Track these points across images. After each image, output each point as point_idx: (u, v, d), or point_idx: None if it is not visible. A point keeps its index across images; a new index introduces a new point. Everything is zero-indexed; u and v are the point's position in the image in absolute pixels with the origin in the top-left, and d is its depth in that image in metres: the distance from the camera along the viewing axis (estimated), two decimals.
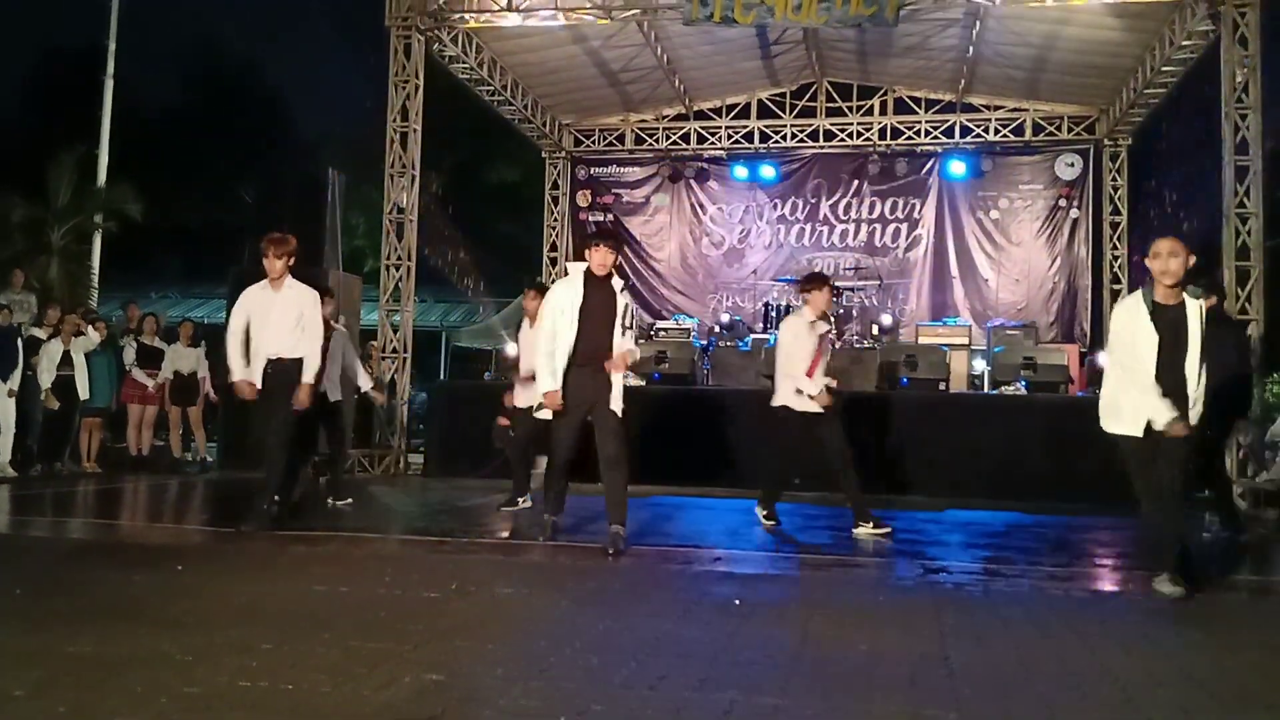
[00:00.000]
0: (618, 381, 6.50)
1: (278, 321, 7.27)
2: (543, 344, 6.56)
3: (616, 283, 6.67)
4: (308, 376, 7.19)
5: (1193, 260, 5.31)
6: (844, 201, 17.22)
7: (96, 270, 17.86)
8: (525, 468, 8.55)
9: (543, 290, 7.74)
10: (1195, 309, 5.31)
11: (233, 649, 3.76)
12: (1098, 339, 15.75)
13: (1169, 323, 5.28)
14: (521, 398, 8.19)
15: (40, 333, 11.53)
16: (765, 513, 8.02)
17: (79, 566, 5.78)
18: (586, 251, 6.71)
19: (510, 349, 14.11)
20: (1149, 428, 5.27)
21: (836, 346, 12.43)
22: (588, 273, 6.60)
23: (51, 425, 11.34)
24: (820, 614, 4.74)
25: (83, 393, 11.36)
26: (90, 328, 11.79)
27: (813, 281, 7.95)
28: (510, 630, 4.20)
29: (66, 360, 11.30)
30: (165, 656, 3.67)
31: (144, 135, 27.68)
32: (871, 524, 7.49)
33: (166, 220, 26.50)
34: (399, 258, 12.77)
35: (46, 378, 11.14)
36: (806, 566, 6.31)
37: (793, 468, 8.21)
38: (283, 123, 33.81)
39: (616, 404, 6.49)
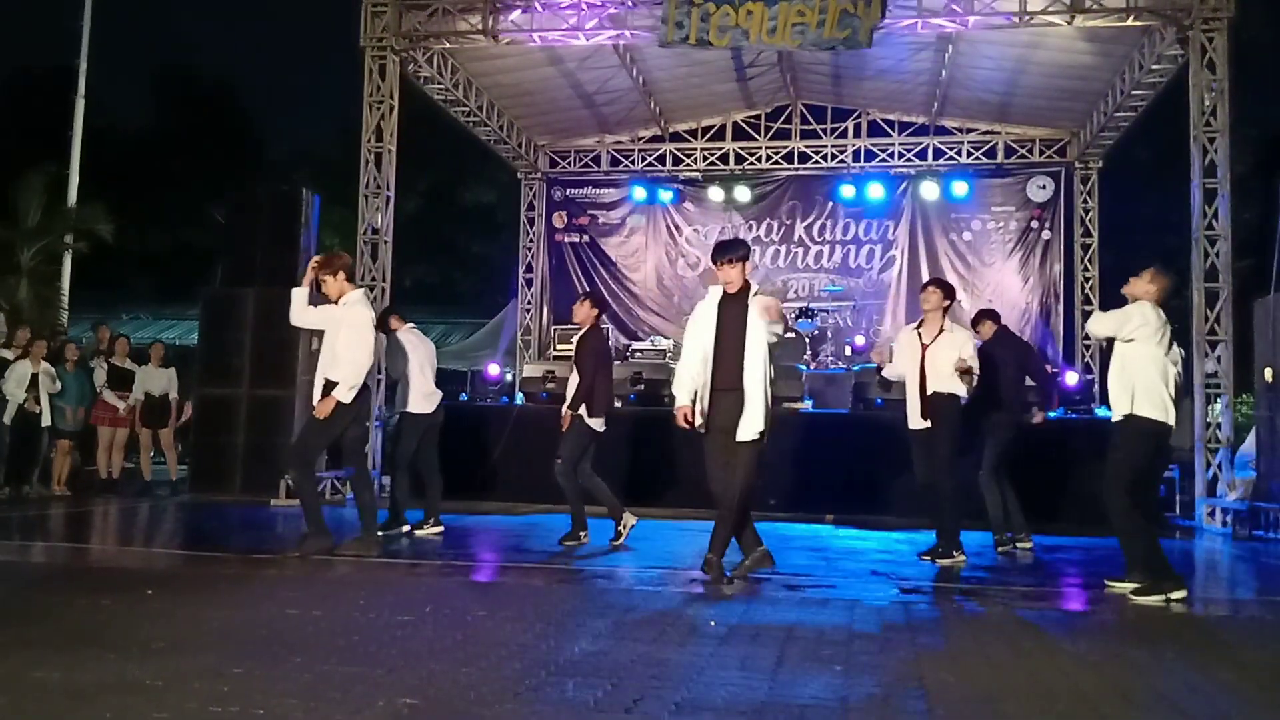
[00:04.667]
0: (750, 407, 6.08)
1: (328, 340, 7.08)
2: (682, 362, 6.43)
3: (756, 299, 6.24)
4: (336, 392, 6.82)
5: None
6: (818, 223, 17.30)
7: (66, 291, 17.71)
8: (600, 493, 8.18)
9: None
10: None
11: (204, 674, 3.72)
12: (1070, 359, 15.87)
13: None
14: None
15: (8, 354, 11.41)
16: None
17: (46, 591, 5.70)
18: (717, 270, 6.40)
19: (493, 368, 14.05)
20: None
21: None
22: (724, 292, 6.34)
23: (19, 448, 11.21)
24: (795, 635, 4.73)
25: (45, 419, 11.25)
26: (52, 371, 11.54)
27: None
28: (485, 654, 4.17)
29: (34, 382, 11.18)
30: (135, 682, 3.62)
31: (116, 156, 27.56)
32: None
33: (138, 241, 26.39)
34: (373, 278, 12.71)
35: (14, 401, 11.04)
36: (781, 588, 6.30)
37: None
38: (256, 143, 33.76)
39: (744, 430, 6.10)
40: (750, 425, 6.10)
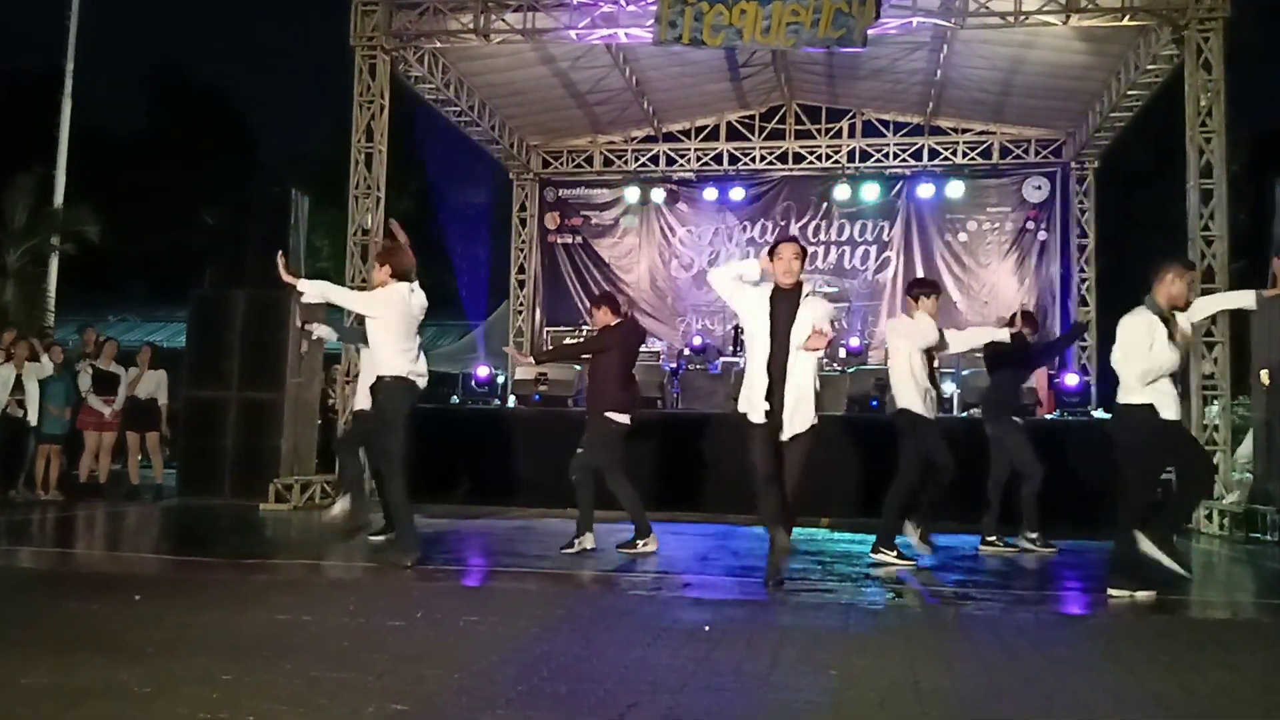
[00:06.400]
0: (795, 402, 5.97)
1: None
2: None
3: (807, 290, 6.07)
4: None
5: None
6: (813, 224, 17.27)
7: (53, 293, 17.62)
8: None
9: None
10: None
11: (193, 679, 3.68)
12: (1066, 360, 15.85)
13: None
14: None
15: None
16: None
17: (35, 595, 5.65)
18: (768, 263, 6.06)
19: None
20: None
21: None
22: (775, 285, 6.05)
23: (5, 452, 11.12)
24: (790, 639, 4.70)
25: (32, 418, 11.17)
26: (45, 355, 11.52)
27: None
28: (476, 658, 4.13)
29: (18, 386, 11.11)
30: (124, 687, 3.58)
31: (105, 158, 27.49)
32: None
33: (127, 243, 26.31)
34: (364, 279, 12.64)
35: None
36: (776, 591, 6.26)
37: None
38: (249, 145, 33.71)
39: (796, 424, 6.00)
40: (800, 419, 6.10)
